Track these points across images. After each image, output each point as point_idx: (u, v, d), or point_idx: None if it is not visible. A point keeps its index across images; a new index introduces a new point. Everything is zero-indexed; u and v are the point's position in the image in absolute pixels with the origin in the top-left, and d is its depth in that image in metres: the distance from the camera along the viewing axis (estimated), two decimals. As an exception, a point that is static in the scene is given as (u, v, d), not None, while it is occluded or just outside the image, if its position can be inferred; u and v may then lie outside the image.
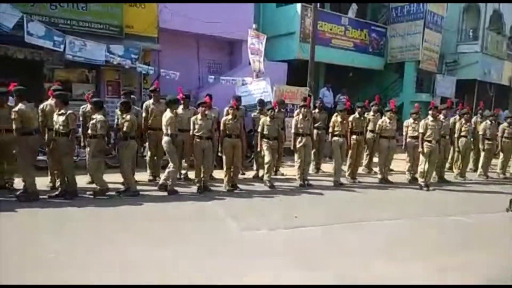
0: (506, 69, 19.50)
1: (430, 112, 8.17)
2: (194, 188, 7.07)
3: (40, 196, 6.00)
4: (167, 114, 6.72)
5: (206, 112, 7.10)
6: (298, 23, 13.83)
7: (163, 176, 6.86)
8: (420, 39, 16.07)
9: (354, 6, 15.74)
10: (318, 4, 14.48)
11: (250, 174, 8.57)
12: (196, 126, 6.88)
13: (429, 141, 7.99)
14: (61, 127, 6.03)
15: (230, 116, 7.16)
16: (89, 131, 6.35)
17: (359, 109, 8.53)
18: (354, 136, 8.37)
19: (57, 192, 6.26)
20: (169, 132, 6.63)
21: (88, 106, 7.04)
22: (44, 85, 10.91)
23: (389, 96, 16.32)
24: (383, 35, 16.91)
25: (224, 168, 7.14)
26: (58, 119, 6.06)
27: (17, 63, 10.00)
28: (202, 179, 6.94)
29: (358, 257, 4.47)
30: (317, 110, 9.02)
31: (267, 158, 7.48)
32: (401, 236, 5.30)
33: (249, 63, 13.46)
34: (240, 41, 13.79)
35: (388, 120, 8.44)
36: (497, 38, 18.72)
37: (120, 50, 10.60)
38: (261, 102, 9.37)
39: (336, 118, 8.16)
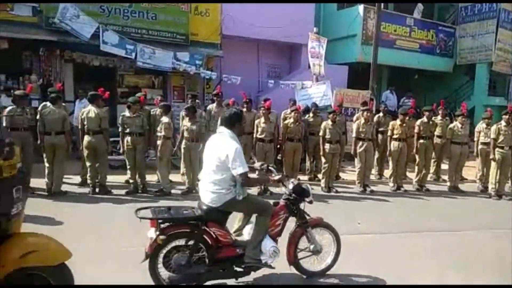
0: None
1: (503, 116, 7.58)
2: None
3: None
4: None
5: (269, 116, 7.20)
6: (360, 25, 13.53)
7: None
8: (492, 39, 14.96)
9: (420, 6, 15.05)
10: (382, 5, 14.14)
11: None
12: (259, 129, 6.99)
13: (501, 147, 7.43)
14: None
15: (292, 120, 7.18)
16: (157, 133, 6.75)
17: (427, 113, 8.12)
18: (421, 141, 7.99)
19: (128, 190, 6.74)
20: None
21: (157, 110, 7.45)
22: (116, 90, 11.90)
23: (459, 99, 15.40)
24: (451, 35, 15.99)
25: (284, 172, 7.17)
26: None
27: (93, 69, 10.90)
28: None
29: (430, 268, 4.27)
30: (381, 114, 8.73)
31: (325, 163, 7.40)
32: (473, 248, 4.97)
33: (309, 67, 13.48)
34: (300, 45, 13.80)
35: (460, 125, 7.95)
36: None
37: (185, 57, 11.13)
38: (315, 105, 9.24)
39: (395, 121, 7.87)
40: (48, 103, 6.70)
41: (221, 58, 12.27)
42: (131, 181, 6.81)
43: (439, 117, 8.87)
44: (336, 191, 7.43)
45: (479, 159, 8.12)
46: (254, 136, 7.12)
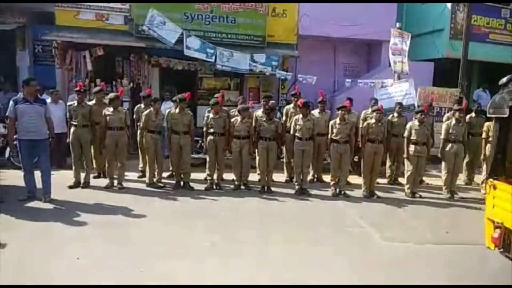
0: None
1: None
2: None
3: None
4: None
5: (345, 116, 6.99)
6: (448, 19, 12.56)
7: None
8: None
9: (517, -5, 13.52)
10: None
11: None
12: (334, 130, 6.83)
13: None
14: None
15: (373, 120, 6.89)
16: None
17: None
18: None
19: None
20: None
21: (235, 111, 7.67)
22: (197, 92, 12.49)
23: None
24: (555, 26, 14.10)
25: (362, 175, 6.91)
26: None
27: (176, 73, 11.55)
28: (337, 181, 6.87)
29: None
30: (473, 114, 7.96)
31: (409, 167, 6.97)
32: None
33: (389, 65, 12.84)
34: (380, 42, 13.20)
35: None
36: None
37: (262, 58, 11.27)
38: (400, 105, 8.75)
39: (490, 123, 7.09)
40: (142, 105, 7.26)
41: (296, 58, 12.24)
42: (209, 178, 7.09)
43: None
44: (420, 197, 6.95)
45: None
46: (329, 137, 6.95)
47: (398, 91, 10.19)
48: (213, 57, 10.85)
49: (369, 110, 8.59)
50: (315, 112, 7.07)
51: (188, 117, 6.81)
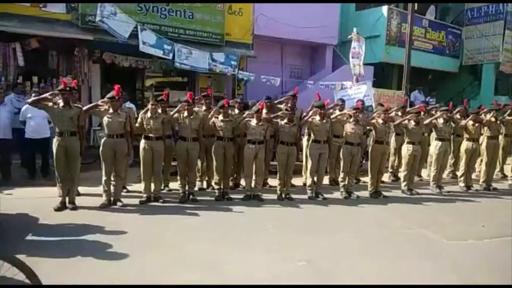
0: None
1: None
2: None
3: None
4: None
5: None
6: (384, 26, 13.65)
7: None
8: (500, 40, 15.58)
9: (432, 8, 15.43)
10: (403, 6, 14.36)
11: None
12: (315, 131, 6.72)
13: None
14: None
15: (352, 120, 6.87)
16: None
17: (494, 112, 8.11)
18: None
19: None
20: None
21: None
22: (143, 91, 11.34)
23: (467, 99, 15.88)
24: (458, 36, 16.51)
25: (370, 175, 6.99)
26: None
27: (121, 70, 10.27)
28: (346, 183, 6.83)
29: None
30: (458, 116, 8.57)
31: (405, 166, 7.31)
32: None
33: (333, 69, 13.48)
34: (324, 46, 13.75)
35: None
36: None
37: (221, 57, 10.71)
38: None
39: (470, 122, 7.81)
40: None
41: (249, 59, 11.97)
42: (216, 187, 6.43)
43: (457, 116, 8.40)
44: (417, 193, 7.33)
45: None
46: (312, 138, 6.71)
47: (357, 92, 10.61)
48: (171, 54, 9.92)
49: (337, 111, 8.72)
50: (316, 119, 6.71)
51: (197, 121, 6.00)
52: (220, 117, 6.20)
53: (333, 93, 10.87)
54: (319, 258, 4.18)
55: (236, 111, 6.95)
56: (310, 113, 6.79)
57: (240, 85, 12.06)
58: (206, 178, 6.94)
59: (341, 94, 10.84)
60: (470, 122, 7.75)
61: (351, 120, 6.70)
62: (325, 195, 6.74)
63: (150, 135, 5.91)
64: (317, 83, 11.25)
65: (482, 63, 16.41)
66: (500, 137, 8.44)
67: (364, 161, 8.45)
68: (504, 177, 9.03)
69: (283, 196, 6.45)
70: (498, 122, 8.05)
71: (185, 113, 5.95)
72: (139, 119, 5.97)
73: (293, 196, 6.59)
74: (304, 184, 7.27)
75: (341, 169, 6.89)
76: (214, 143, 6.32)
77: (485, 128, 8.05)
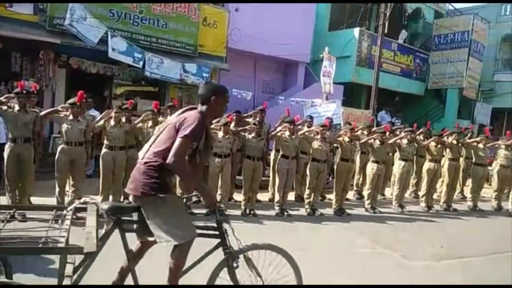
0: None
1: None
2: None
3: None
4: None
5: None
6: (355, 47, 14.01)
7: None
8: (464, 66, 16.32)
9: (404, 33, 16.03)
10: (374, 29, 14.81)
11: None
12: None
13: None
14: None
15: (319, 137, 6.94)
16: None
17: (455, 135, 8.41)
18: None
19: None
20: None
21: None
22: (111, 99, 11.04)
23: (431, 122, 16.45)
24: (425, 61, 17.17)
25: (334, 193, 7.03)
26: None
27: (89, 76, 9.99)
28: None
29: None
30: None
31: (369, 184, 7.41)
32: None
33: (304, 86, 13.68)
34: (297, 63, 13.95)
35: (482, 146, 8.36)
36: (532, 69, 19.10)
37: (193, 69, 10.67)
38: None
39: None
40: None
41: (221, 72, 11.95)
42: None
43: (420, 137, 8.91)
44: (380, 212, 7.43)
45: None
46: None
47: (327, 110, 10.78)
48: (141, 63, 9.78)
49: (305, 128, 8.77)
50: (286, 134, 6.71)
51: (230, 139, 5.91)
52: (220, 133, 6.10)
53: (303, 110, 10.99)
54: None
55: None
56: (279, 128, 6.80)
57: (212, 97, 11.96)
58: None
59: (310, 111, 10.96)
60: (433, 144, 7.99)
61: (318, 137, 6.74)
62: (290, 212, 6.71)
63: (113, 144, 5.71)
64: (288, 99, 11.36)
65: (447, 87, 17.11)
66: (461, 159, 8.74)
67: (330, 178, 8.53)
68: (464, 198, 9.32)
69: (248, 211, 6.36)
70: (460, 144, 8.33)
71: (150, 123, 5.80)
72: (101, 122, 5.75)
73: (258, 212, 6.52)
74: (270, 200, 7.22)
75: (307, 185, 6.90)
76: None
77: (447, 150, 8.31)
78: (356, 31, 14.09)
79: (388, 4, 12.21)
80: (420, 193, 8.34)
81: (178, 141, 2.50)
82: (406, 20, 16.44)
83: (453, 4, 18.83)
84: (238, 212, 6.42)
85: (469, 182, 8.87)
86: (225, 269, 2.81)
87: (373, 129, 8.49)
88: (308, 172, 6.83)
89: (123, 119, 5.83)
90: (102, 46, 9.18)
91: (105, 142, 5.76)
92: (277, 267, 2.88)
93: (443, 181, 8.48)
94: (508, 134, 9.31)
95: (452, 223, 7.40)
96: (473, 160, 8.50)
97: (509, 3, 18.12)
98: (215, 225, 2.80)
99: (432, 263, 4.89)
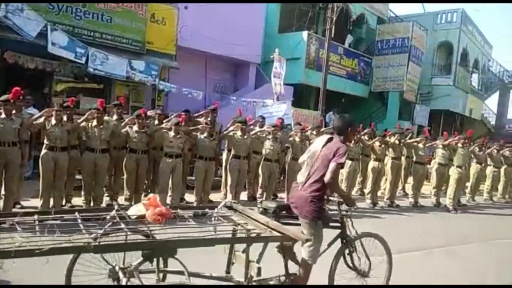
0: (469, 102, 21.55)
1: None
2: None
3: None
4: None
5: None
6: (304, 50, 14.32)
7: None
8: (404, 71, 17.32)
9: (349, 37, 16.68)
10: (321, 33, 15.24)
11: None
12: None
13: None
14: None
15: (271, 137, 7.03)
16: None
17: (397, 135, 8.85)
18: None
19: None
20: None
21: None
22: (51, 96, 10.36)
23: (374, 123, 17.29)
24: (369, 65, 18.00)
25: (286, 192, 7.10)
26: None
27: (26, 72, 9.31)
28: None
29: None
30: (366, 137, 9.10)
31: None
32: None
33: (255, 86, 13.77)
34: (248, 64, 13.99)
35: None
36: (464, 74, 20.72)
37: (141, 66, 10.30)
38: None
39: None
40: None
41: (169, 69, 11.68)
42: (126, 204, 5.98)
43: (365, 137, 9.03)
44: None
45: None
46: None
47: (278, 110, 10.89)
48: (84, 58, 9.26)
49: (257, 128, 8.86)
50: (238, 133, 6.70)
51: (107, 131, 5.56)
52: (135, 127, 5.84)
53: (255, 110, 11.04)
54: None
55: (156, 122, 6.65)
56: (231, 127, 6.76)
57: (160, 96, 11.67)
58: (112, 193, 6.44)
59: (262, 111, 11.03)
60: (377, 144, 8.36)
61: (270, 137, 6.78)
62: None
63: (54, 144, 5.33)
64: (240, 99, 11.35)
65: (389, 90, 18.06)
66: (403, 158, 9.23)
67: (282, 178, 8.63)
68: (406, 195, 9.86)
69: (200, 212, 6.23)
70: (401, 144, 8.79)
71: (94, 122, 5.49)
72: (40, 120, 5.34)
73: (210, 212, 6.42)
74: (222, 200, 7.13)
75: (259, 185, 6.92)
76: (126, 155, 5.91)
77: (390, 149, 8.75)
78: (305, 34, 14.43)
79: (335, 9, 12.63)
80: (366, 191, 8.70)
81: (334, 165, 3.17)
82: (351, 25, 17.13)
83: (394, 11, 19.95)
84: (189, 213, 6.26)
85: (410, 179, 9.38)
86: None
87: (321, 130, 8.73)
88: (260, 172, 6.84)
89: (65, 118, 5.47)
90: (41, 40, 8.58)
91: (45, 142, 5.36)
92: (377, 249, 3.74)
93: (386, 179, 8.91)
94: (445, 135, 10.05)
95: (395, 218, 7.78)
96: (414, 159, 9.01)
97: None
98: (338, 219, 3.58)
99: (379, 258, 5.09)
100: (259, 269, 2.80)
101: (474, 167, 10.00)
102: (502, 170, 10.62)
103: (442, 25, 19.88)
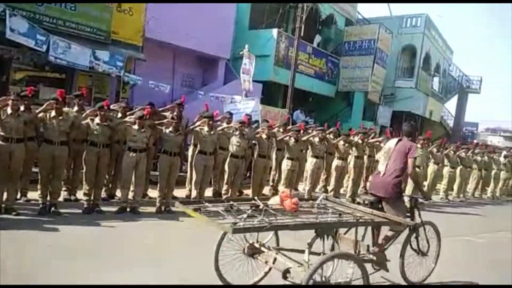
0: (429, 104, 22.44)
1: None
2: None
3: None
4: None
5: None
6: (273, 47, 14.38)
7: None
8: (370, 72, 17.79)
9: (318, 37, 16.91)
10: (291, 31, 15.37)
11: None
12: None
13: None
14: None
15: (238, 133, 7.03)
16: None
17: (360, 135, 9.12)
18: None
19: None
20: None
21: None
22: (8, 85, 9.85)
23: (340, 122, 17.67)
24: (336, 65, 18.34)
25: (252, 189, 7.14)
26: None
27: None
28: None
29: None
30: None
31: (282, 180, 7.68)
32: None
33: (224, 82, 13.71)
34: (217, 59, 13.89)
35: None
36: (426, 77, 21.55)
37: (105, 56, 10.01)
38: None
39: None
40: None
41: (137, 62, 11.42)
42: (85, 198, 5.83)
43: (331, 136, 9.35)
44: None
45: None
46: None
47: (246, 107, 10.90)
48: (45, 46, 8.89)
49: (224, 124, 8.84)
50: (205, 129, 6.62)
51: (67, 123, 5.35)
52: (97, 120, 5.65)
53: (223, 106, 10.99)
54: (196, 274, 4.03)
55: (119, 115, 6.47)
56: (198, 123, 6.70)
57: (125, 89, 11.38)
58: (70, 188, 6.23)
59: (230, 107, 11.00)
60: (341, 142, 8.56)
61: (237, 133, 6.78)
62: (207, 208, 6.65)
63: (9, 135, 5.08)
64: (208, 94, 11.28)
65: (354, 91, 18.49)
66: (365, 157, 9.51)
67: (248, 174, 8.66)
68: (367, 192, 10.14)
69: (163, 208, 6.15)
70: (364, 144, 9.04)
71: (53, 113, 5.27)
72: None
73: (174, 209, 6.33)
74: (187, 196, 7.08)
75: (225, 181, 6.90)
76: (86, 148, 5.72)
77: (354, 148, 8.99)
78: (275, 31, 14.49)
79: (304, 8, 12.77)
80: (329, 188, 8.90)
81: (411, 160, 4.16)
82: (320, 25, 17.39)
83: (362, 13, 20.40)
84: (152, 209, 6.17)
85: (371, 178, 9.65)
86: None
87: (288, 127, 8.82)
88: (226, 168, 6.83)
89: (22, 108, 5.21)
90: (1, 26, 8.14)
91: (0, 133, 5.10)
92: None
93: (349, 177, 9.15)
94: (404, 135, 10.41)
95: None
96: (376, 158, 9.29)
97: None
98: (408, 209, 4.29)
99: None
100: (368, 246, 3.81)
101: (431, 167, 10.44)
102: (458, 170, 11.15)
103: (407, 29, 20.55)
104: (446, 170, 11.03)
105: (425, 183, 10.71)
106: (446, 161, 11.00)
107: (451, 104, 28.52)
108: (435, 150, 10.34)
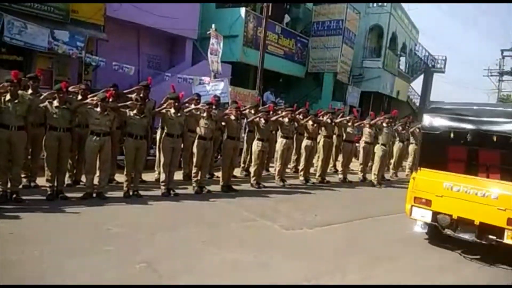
0: (396, 84, 22.93)
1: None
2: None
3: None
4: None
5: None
6: (242, 27, 14.14)
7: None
8: (338, 53, 17.90)
9: (287, 17, 16.76)
10: (260, 10, 15.12)
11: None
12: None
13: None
14: None
15: (205, 115, 6.93)
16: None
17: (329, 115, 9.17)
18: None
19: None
20: None
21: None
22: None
23: (309, 102, 17.78)
24: (305, 45, 18.32)
25: (221, 170, 7.10)
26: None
27: None
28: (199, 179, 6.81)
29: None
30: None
31: (255, 161, 7.68)
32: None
33: (192, 63, 13.42)
34: (184, 39, 13.53)
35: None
36: (393, 57, 21.92)
37: (65, 37, 9.59)
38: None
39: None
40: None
41: (99, 42, 10.97)
42: (48, 184, 5.60)
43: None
44: (264, 186, 7.78)
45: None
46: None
47: (215, 89, 10.72)
48: (-2, 27, 8.35)
49: (192, 106, 8.65)
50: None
51: (23, 106, 5.06)
52: (55, 102, 5.39)
53: (191, 87, 10.78)
54: (161, 259, 4.00)
55: (79, 97, 6.20)
56: (164, 105, 6.54)
57: (88, 70, 10.94)
58: (29, 174, 5.97)
59: (198, 89, 10.79)
60: (310, 123, 8.62)
61: (205, 115, 6.67)
62: (178, 191, 6.58)
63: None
64: (175, 76, 11.01)
65: (324, 71, 18.59)
66: (334, 137, 9.63)
67: (218, 156, 8.59)
68: (336, 171, 10.36)
69: (131, 193, 6.02)
70: (333, 123, 9.14)
71: (8, 96, 4.98)
72: None
73: (143, 193, 6.23)
74: (156, 180, 6.96)
75: (194, 163, 6.82)
76: (46, 133, 5.47)
77: (322, 128, 9.08)
78: (243, 10, 14.22)
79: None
80: (299, 167, 8.99)
81: None
82: (288, 4, 17.21)
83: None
84: (120, 194, 6.03)
85: (340, 157, 9.85)
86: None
87: (259, 108, 8.77)
88: (194, 150, 6.74)
89: (-27, 92, 4.90)
90: None
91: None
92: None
93: (319, 157, 9.26)
94: (372, 115, 10.63)
95: (325, 193, 8.18)
96: (344, 137, 9.44)
97: None
98: None
99: (307, 230, 5.35)
100: None
101: (397, 145, 10.73)
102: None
103: (374, 9, 20.70)
104: (411, 148, 11.33)
105: (391, 161, 11.04)
106: (411, 139, 11.32)
107: (417, 84, 29.30)
108: (400, 128, 10.60)
